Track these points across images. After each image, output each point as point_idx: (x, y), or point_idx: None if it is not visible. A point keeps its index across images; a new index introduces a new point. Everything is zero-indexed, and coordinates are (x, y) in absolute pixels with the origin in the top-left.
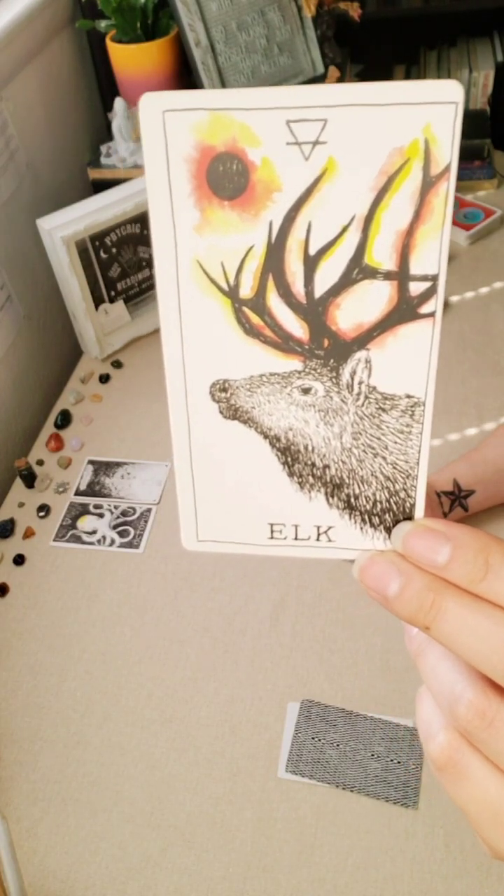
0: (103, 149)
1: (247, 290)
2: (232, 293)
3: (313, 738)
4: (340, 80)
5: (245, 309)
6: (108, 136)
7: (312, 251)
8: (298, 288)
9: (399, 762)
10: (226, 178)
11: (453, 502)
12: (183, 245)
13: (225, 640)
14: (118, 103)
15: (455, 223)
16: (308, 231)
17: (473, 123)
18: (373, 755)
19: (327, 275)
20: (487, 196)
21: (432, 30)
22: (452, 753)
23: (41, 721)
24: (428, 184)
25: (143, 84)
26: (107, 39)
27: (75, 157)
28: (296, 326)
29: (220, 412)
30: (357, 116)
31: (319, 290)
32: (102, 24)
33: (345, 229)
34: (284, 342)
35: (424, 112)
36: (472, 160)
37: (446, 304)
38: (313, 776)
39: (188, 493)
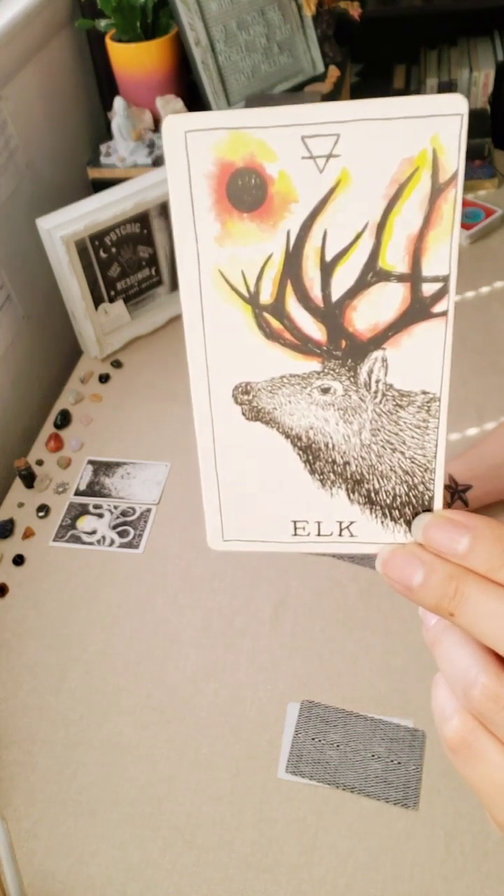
0: (103, 148)
1: (266, 297)
2: (252, 300)
3: (313, 739)
4: (341, 79)
5: (265, 314)
6: (107, 135)
7: (329, 257)
8: (316, 292)
9: (399, 763)
10: (244, 191)
11: (452, 495)
12: (205, 255)
13: (225, 640)
14: (118, 102)
15: None
16: (324, 238)
17: (474, 123)
18: (373, 756)
19: (343, 279)
20: (488, 195)
21: (432, 29)
22: (466, 735)
23: (41, 721)
24: (437, 190)
25: (142, 83)
26: (106, 38)
27: (75, 157)
28: (314, 329)
29: (243, 414)
30: (368, 130)
31: (336, 293)
32: (102, 23)
33: (359, 236)
34: (303, 344)
35: (432, 124)
36: (473, 160)
37: None
38: (313, 777)
39: (213, 494)
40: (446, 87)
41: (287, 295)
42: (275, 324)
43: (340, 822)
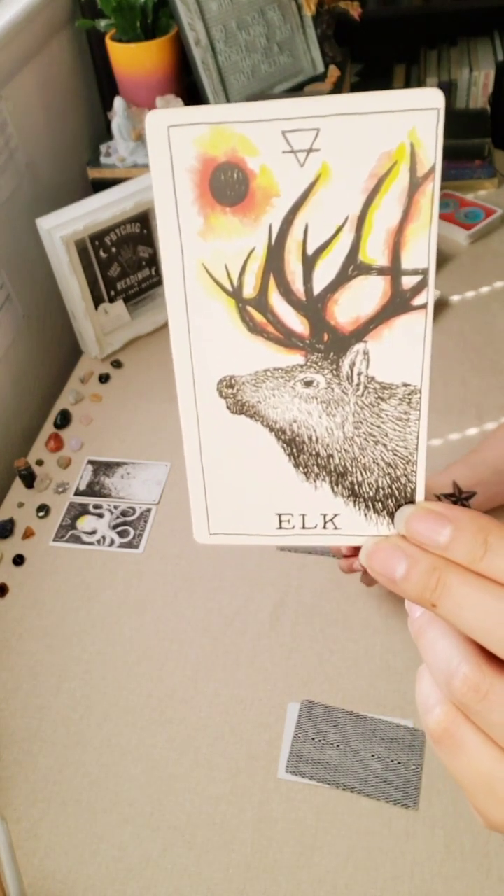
0: (103, 148)
1: (250, 290)
2: (236, 293)
3: (313, 739)
4: (341, 79)
5: (249, 308)
6: (107, 135)
7: (310, 251)
8: (298, 286)
9: (399, 763)
10: (227, 186)
11: (456, 503)
12: (189, 250)
13: (225, 640)
14: (118, 102)
15: (455, 222)
16: (305, 232)
17: (474, 123)
18: (373, 756)
19: (325, 273)
20: (488, 195)
21: (432, 29)
22: (448, 725)
23: (41, 721)
24: (415, 184)
25: (142, 83)
26: (106, 39)
27: (75, 157)
28: (297, 323)
29: (228, 408)
30: (347, 124)
31: (318, 287)
32: (102, 23)
33: (339, 229)
34: (286, 338)
35: (409, 118)
36: (473, 159)
37: (447, 304)
38: (313, 777)
39: (199, 488)
40: (446, 86)
41: (270, 289)
42: (258, 317)
43: (340, 822)
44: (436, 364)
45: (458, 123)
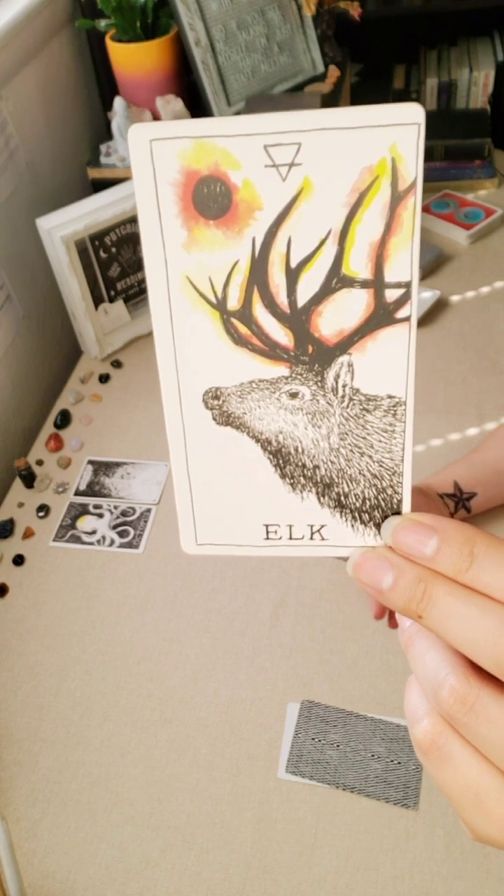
0: (103, 148)
1: (234, 303)
2: (220, 306)
3: (313, 739)
4: (341, 79)
5: (233, 320)
6: (107, 135)
7: (294, 264)
8: (282, 298)
9: (399, 763)
10: (210, 199)
11: (456, 504)
12: (173, 262)
13: (225, 640)
14: (118, 102)
15: (455, 222)
16: (289, 245)
17: (474, 123)
18: (373, 756)
19: (308, 285)
20: (488, 195)
21: (432, 29)
22: (436, 737)
23: (41, 721)
24: (397, 198)
25: (143, 83)
26: (106, 38)
27: (75, 157)
28: (281, 335)
29: (214, 419)
30: (329, 139)
31: (302, 299)
32: (102, 23)
33: (322, 242)
34: (271, 350)
35: (390, 133)
36: (473, 159)
37: (447, 304)
38: (313, 777)
39: (186, 498)
40: (446, 87)
41: (254, 301)
42: (243, 329)
43: (340, 822)
44: (436, 364)
45: (458, 123)
